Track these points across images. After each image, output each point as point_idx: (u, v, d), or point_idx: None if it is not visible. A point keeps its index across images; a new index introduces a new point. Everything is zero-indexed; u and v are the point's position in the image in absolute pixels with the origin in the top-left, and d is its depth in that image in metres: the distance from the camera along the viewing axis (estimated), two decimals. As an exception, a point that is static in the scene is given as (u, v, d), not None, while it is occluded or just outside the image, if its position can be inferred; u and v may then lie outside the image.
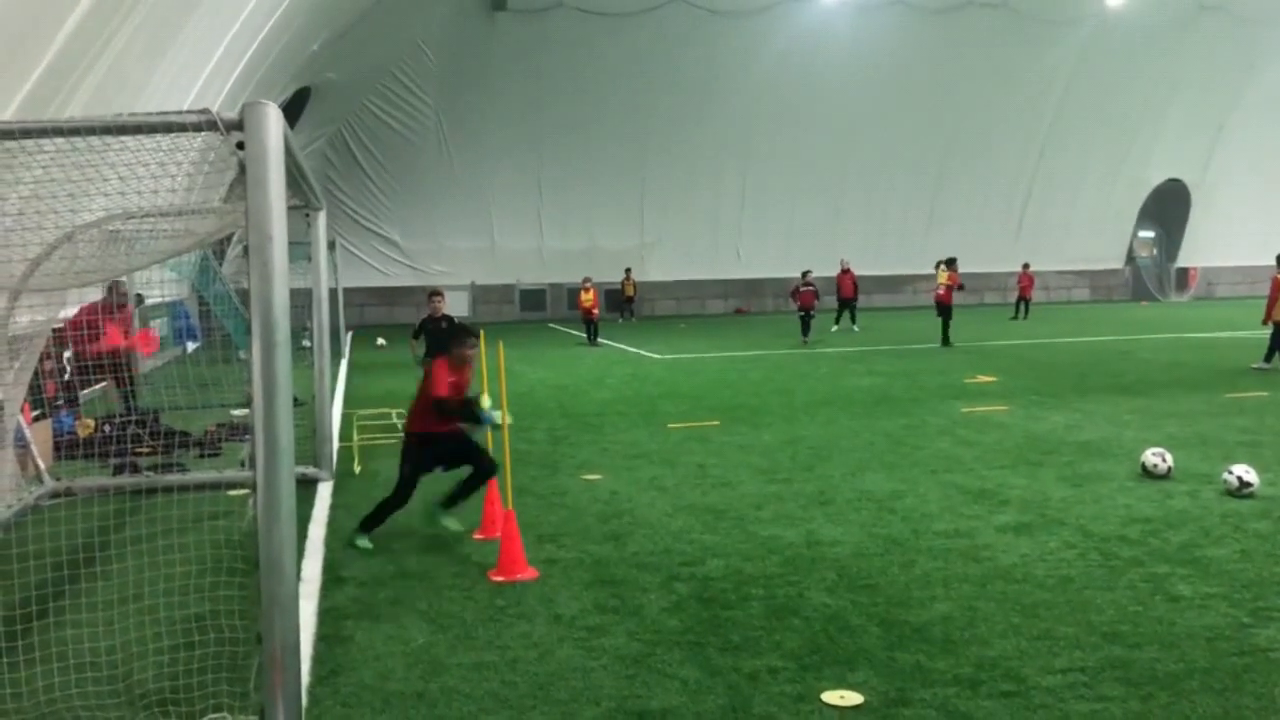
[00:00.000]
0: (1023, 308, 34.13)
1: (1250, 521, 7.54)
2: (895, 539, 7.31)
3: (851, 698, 4.41)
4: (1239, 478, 8.35)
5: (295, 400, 7.69)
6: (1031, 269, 35.92)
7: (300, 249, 10.38)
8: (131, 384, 12.97)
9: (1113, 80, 40.47)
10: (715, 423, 12.78)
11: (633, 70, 36.05)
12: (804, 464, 10.12)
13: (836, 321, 29.66)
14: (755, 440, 11.53)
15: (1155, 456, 9.15)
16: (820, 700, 4.64)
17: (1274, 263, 18.06)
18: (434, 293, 14.06)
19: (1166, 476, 8.99)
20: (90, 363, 11.84)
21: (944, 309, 24.15)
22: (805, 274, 25.99)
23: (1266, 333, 17.72)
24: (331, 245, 24.87)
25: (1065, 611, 5.75)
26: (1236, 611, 5.68)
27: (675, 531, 7.65)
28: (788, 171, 39.65)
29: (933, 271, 26.61)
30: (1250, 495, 8.22)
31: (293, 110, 29.96)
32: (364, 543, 7.37)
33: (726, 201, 40.01)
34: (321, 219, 10.26)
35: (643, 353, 23.38)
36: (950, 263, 25.42)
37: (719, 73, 36.87)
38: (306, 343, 12.08)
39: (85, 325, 11.22)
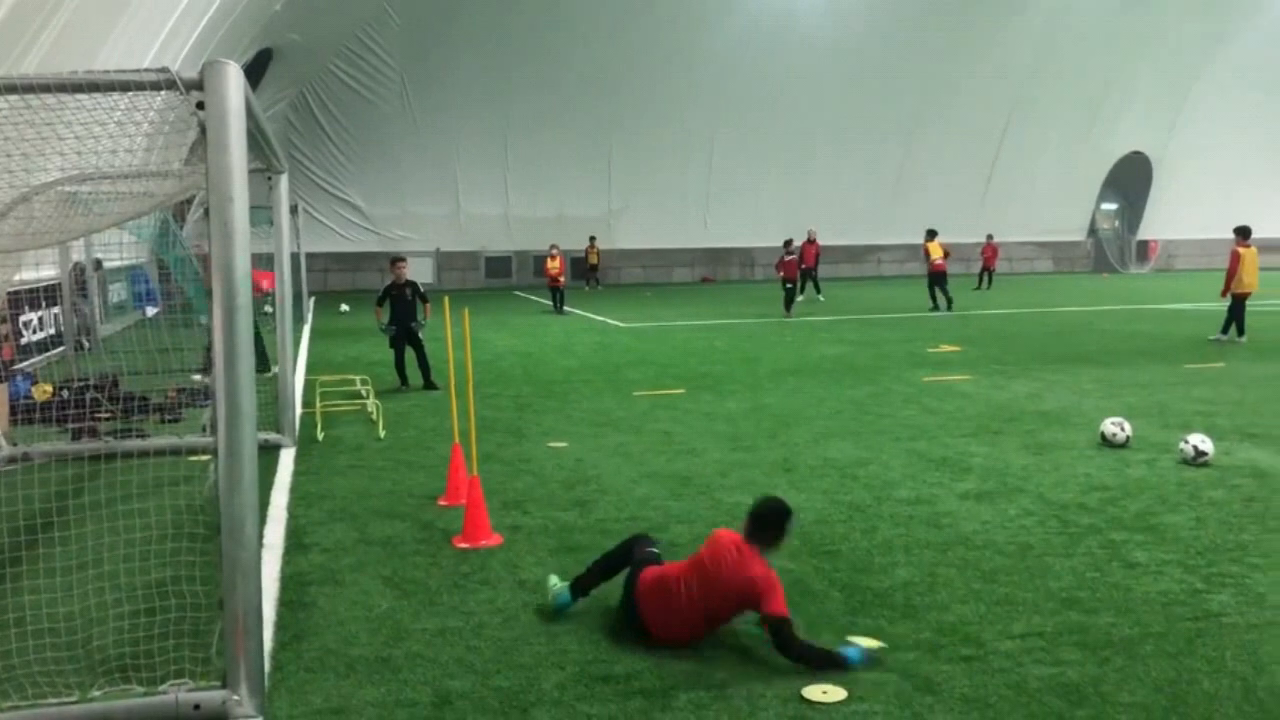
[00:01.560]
0: (986, 278, 34.37)
1: (1205, 490, 7.67)
2: (858, 506, 7.38)
3: (835, 693, 4.40)
4: (1195, 447, 8.49)
5: (264, 363, 7.57)
6: (995, 240, 36.15)
7: (262, 213, 10.25)
8: None
9: (1077, 51, 40.62)
10: (681, 390, 12.80)
11: (601, 36, 35.74)
12: (769, 431, 10.17)
13: (800, 291, 29.72)
14: (720, 408, 11.57)
15: (1114, 426, 9.27)
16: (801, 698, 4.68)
17: (1233, 235, 18.31)
18: (397, 259, 13.95)
19: (1125, 445, 9.12)
20: None
21: (942, 277, 25.41)
22: (788, 243, 25.56)
23: (1225, 305, 17.98)
24: (294, 209, 24.63)
25: (1024, 577, 5.83)
26: (1190, 578, 5.79)
27: (640, 498, 7.67)
28: (755, 141, 39.56)
29: (915, 242, 26.91)
30: (1206, 464, 8.36)
31: (255, 72, 29.47)
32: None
33: (694, 170, 39.89)
34: (284, 182, 10.12)
35: (609, 321, 23.34)
36: (934, 234, 26.12)
37: (688, 40, 36.64)
38: (269, 308, 11.97)
39: None
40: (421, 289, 13.63)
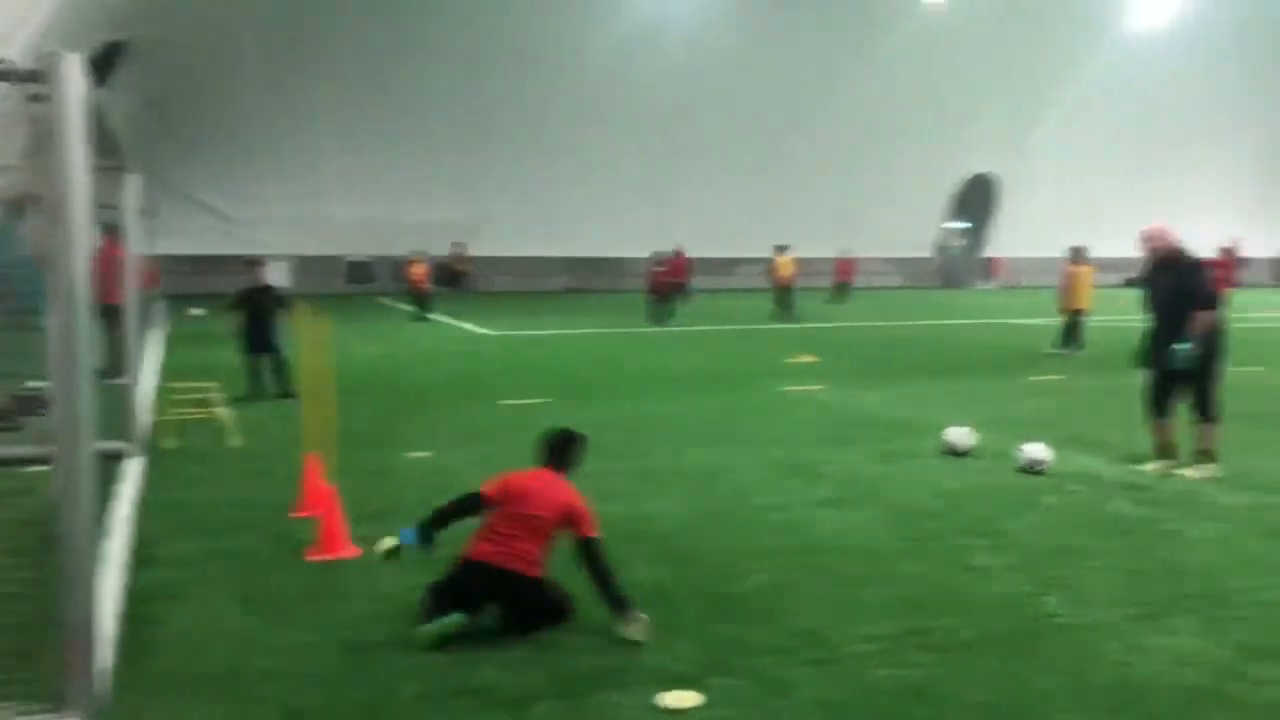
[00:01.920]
0: (842, 291, 35.39)
1: (1042, 496, 8.07)
2: (716, 513, 7.51)
3: (690, 699, 4.45)
4: (1033, 455, 8.91)
5: (103, 372, 7.26)
6: (851, 255, 37.26)
7: (109, 213, 9.86)
8: None
9: (931, 75, 42.30)
10: (547, 400, 12.79)
11: (471, 38, 35.52)
12: (631, 440, 10.26)
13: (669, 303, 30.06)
14: (585, 417, 11.58)
15: (958, 435, 9.66)
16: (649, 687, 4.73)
17: (1067, 254, 19.34)
18: (253, 261, 13.57)
19: (968, 454, 9.51)
20: None
21: (789, 292, 26.99)
22: (657, 254, 25.96)
23: (1063, 320, 18.94)
24: (145, 210, 23.65)
25: (873, 582, 6.03)
26: (1027, 580, 6.08)
27: (501, 508, 7.62)
28: (626, 151, 39.89)
29: (767, 255, 27.75)
30: (1043, 472, 8.79)
31: (107, 65, 28.25)
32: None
33: (564, 178, 39.94)
34: (133, 181, 9.74)
35: (475, 329, 23.15)
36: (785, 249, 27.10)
37: (560, 45, 36.73)
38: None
39: None
40: (280, 294, 13.28)
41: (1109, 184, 47.04)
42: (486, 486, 5.46)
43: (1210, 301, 8.62)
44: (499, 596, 5.17)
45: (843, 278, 35.67)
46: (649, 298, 25.16)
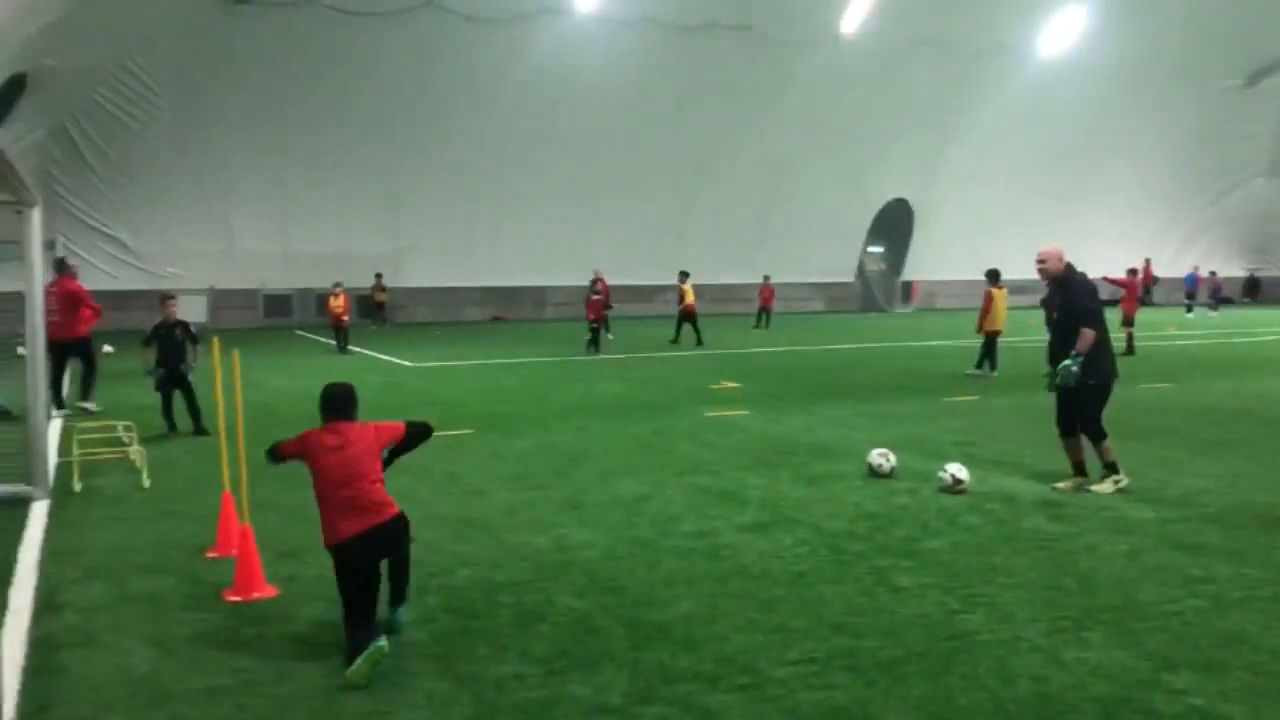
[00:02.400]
0: (764, 318, 35.72)
1: (962, 515, 8.21)
2: (642, 541, 7.50)
3: None
4: (953, 475, 9.08)
5: (6, 413, 7.04)
6: (771, 281, 37.65)
7: (13, 248, 9.54)
8: None
9: (846, 103, 43.07)
10: (469, 431, 12.68)
11: (386, 73, 35.28)
12: (557, 470, 10.21)
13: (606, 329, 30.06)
14: (509, 447, 11.53)
15: (880, 457, 9.80)
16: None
17: (984, 277, 19.79)
18: (166, 296, 13.28)
19: (890, 475, 9.64)
20: None
21: (692, 316, 27.46)
22: (594, 281, 25.79)
23: (979, 341, 19.37)
24: (50, 245, 23.01)
25: (798, 605, 6.06)
26: (949, 599, 6.17)
27: (425, 543, 7.51)
28: (544, 180, 39.89)
29: (700, 282, 28.35)
30: (963, 491, 8.95)
31: (7, 98, 27.47)
32: None
33: (483, 208, 39.76)
34: (36, 216, 9.45)
35: (396, 360, 22.89)
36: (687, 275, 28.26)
37: (475, 80, 36.66)
38: (21, 350, 11.12)
39: None
40: (193, 329, 13.00)
41: (1019, 208, 48.30)
42: (284, 446, 6.03)
43: (1091, 318, 8.88)
44: (387, 552, 5.60)
45: (764, 304, 36.00)
46: (590, 324, 24.92)
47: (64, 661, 5.28)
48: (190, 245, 35.80)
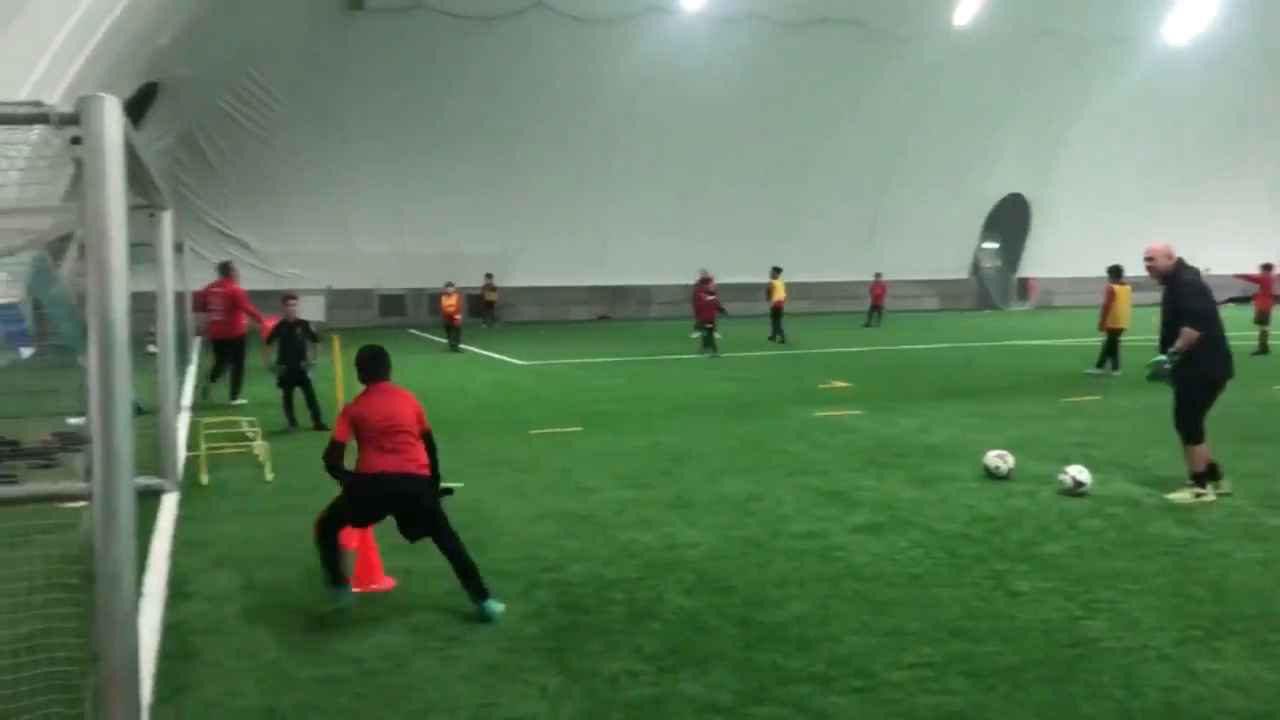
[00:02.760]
0: (875, 315, 35.20)
1: (1083, 519, 7.95)
2: (752, 540, 7.45)
3: None
4: (1073, 478, 8.80)
5: (138, 408, 7.33)
6: (884, 278, 37.08)
7: (145, 250, 9.97)
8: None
9: (959, 97, 42.20)
10: (578, 428, 12.78)
11: (496, 74, 35.85)
12: (663, 468, 10.22)
13: (696, 329, 30.01)
14: (616, 445, 11.59)
15: (997, 458, 9.56)
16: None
17: (1105, 274, 19.15)
18: (288, 297, 13.71)
19: (1007, 477, 9.40)
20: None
21: (779, 313, 27.65)
22: (705, 280, 24.76)
23: (1101, 340, 18.74)
24: (179, 247, 23.97)
25: (913, 608, 5.95)
26: (1069, 605, 5.98)
27: (536, 538, 7.62)
28: (650, 179, 40.04)
29: (806, 280, 28.09)
30: (1084, 494, 8.67)
31: (140, 107, 28.73)
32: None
33: (590, 207, 40.13)
34: (168, 219, 9.87)
35: (506, 359, 23.23)
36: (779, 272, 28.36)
37: (583, 79, 36.99)
38: (152, 348, 11.61)
39: None
40: (312, 328, 13.40)
41: (1140, 201, 46.70)
42: (338, 433, 6.14)
43: (1193, 319, 8.49)
44: (406, 501, 5.98)
45: (876, 301, 35.46)
46: (704, 325, 23.89)
47: (195, 647, 5.49)
48: (309, 247, 36.96)
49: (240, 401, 15.56)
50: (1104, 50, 42.64)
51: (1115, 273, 18.88)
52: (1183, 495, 8.54)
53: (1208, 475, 8.54)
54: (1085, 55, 42.38)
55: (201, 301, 15.70)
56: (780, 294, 27.80)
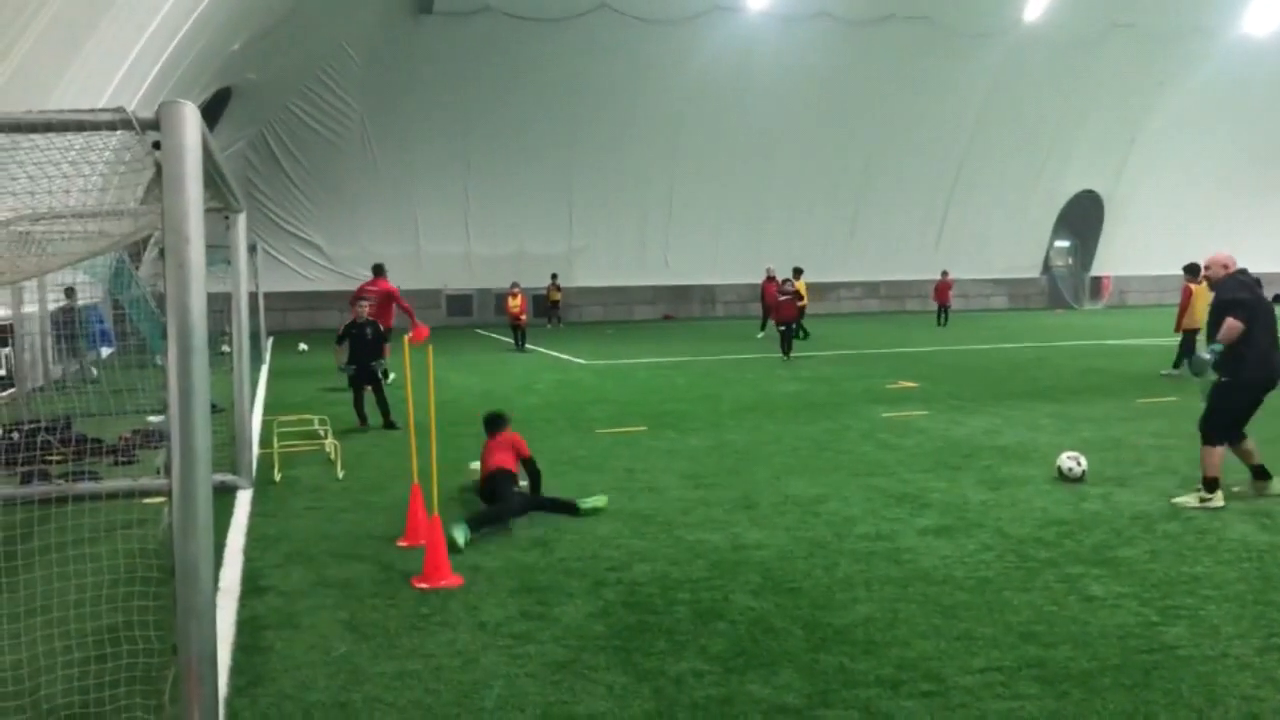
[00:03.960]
0: (943, 315, 34.74)
1: (1160, 523, 7.77)
2: (819, 542, 7.39)
3: None
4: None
5: (213, 406, 7.51)
6: (950, 276, 36.58)
7: (220, 252, 10.19)
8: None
9: (1029, 93, 41.50)
10: (643, 428, 12.80)
11: (561, 75, 36.05)
12: (730, 469, 10.19)
13: (762, 328, 29.94)
14: (682, 445, 11.58)
15: (1070, 460, 9.38)
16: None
17: (1181, 272, 18.68)
18: (358, 298, 13.93)
19: (1081, 480, 9.22)
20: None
21: (801, 313, 26.51)
22: (782, 280, 24.33)
23: (1176, 340, 18.30)
24: (252, 249, 24.49)
25: (983, 612, 5.86)
26: (1146, 610, 5.85)
27: (602, 537, 7.64)
28: (714, 179, 39.97)
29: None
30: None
31: (213, 111, 29.39)
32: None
33: (654, 207, 40.17)
34: (241, 221, 10.07)
35: (571, 358, 23.33)
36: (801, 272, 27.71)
37: (647, 79, 37.04)
38: (226, 348, 11.86)
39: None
40: (382, 328, 13.59)
41: (1218, 198, 45.51)
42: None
43: (1233, 308, 8.22)
44: (506, 485, 8.37)
45: (941, 300, 34.97)
46: (777, 324, 22.87)
47: (268, 641, 5.60)
48: (378, 249, 37.45)
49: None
50: (1180, 43, 41.63)
51: (1192, 271, 18.41)
52: (1188, 499, 8.38)
53: (1217, 483, 8.32)
54: (1161, 48, 41.41)
55: (357, 297, 16.61)
56: (804, 294, 27.63)
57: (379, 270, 18.25)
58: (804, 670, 5.05)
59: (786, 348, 22.36)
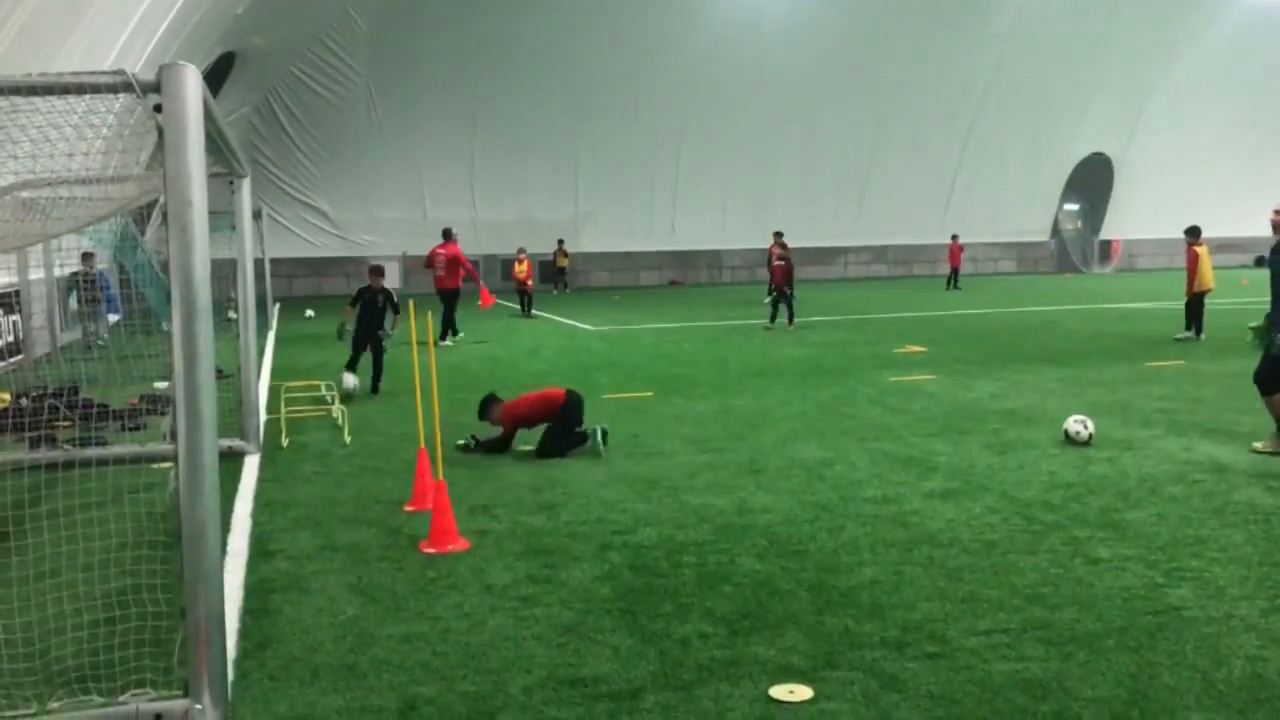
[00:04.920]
0: (953, 278, 34.63)
1: (1166, 486, 7.77)
2: (824, 506, 7.41)
3: (801, 692, 4.41)
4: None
5: (220, 372, 7.53)
6: (960, 240, 36.43)
7: (225, 218, 10.17)
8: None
9: (1040, 56, 41.08)
10: (649, 393, 12.80)
11: (568, 39, 35.76)
12: (736, 433, 10.19)
13: (770, 292, 29.78)
14: (688, 410, 11.59)
15: (1077, 424, 9.37)
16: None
17: (1183, 236, 18.56)
18: (376, 270, 13.86)
19: (1088, 443, 9.21)
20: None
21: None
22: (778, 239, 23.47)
23: (1184, 304, 18.20)
24: (257, 214, 24.46)
25: (989, 575, 5.87)
26: (1151, 573, 5.85)
27: (608, 501, 7.67)
28: (722, 144, 39.72)
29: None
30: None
31: (217, 76, 29.23)
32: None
33: (661, 173, 39.97)
34: (246, 187, 10.03)
35: (577, 324, 23.32)
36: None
37: (655, 44, 36.73)
38: (233, 314, 11.87)
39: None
40: (395, 298, 13.51)
41: (1228, 160, 45.12)
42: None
43: None
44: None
45: (954, 263, 34.93)
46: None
47: (277, 604, 5.63)
48: (385, 214, 37.41)
49: (447, 343, 19.19)
50: (1193, 3, 41.12)
51: (1194, 233, 18.26)
52: (1266, 444, 8.62)
53: None
54: (1172, 9, 40.92)
55: (430, 260, 19.80)
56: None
57: (448, 234, 20.27)
58: (809, 632, 5.07)
59: (775, 315, 21.81)
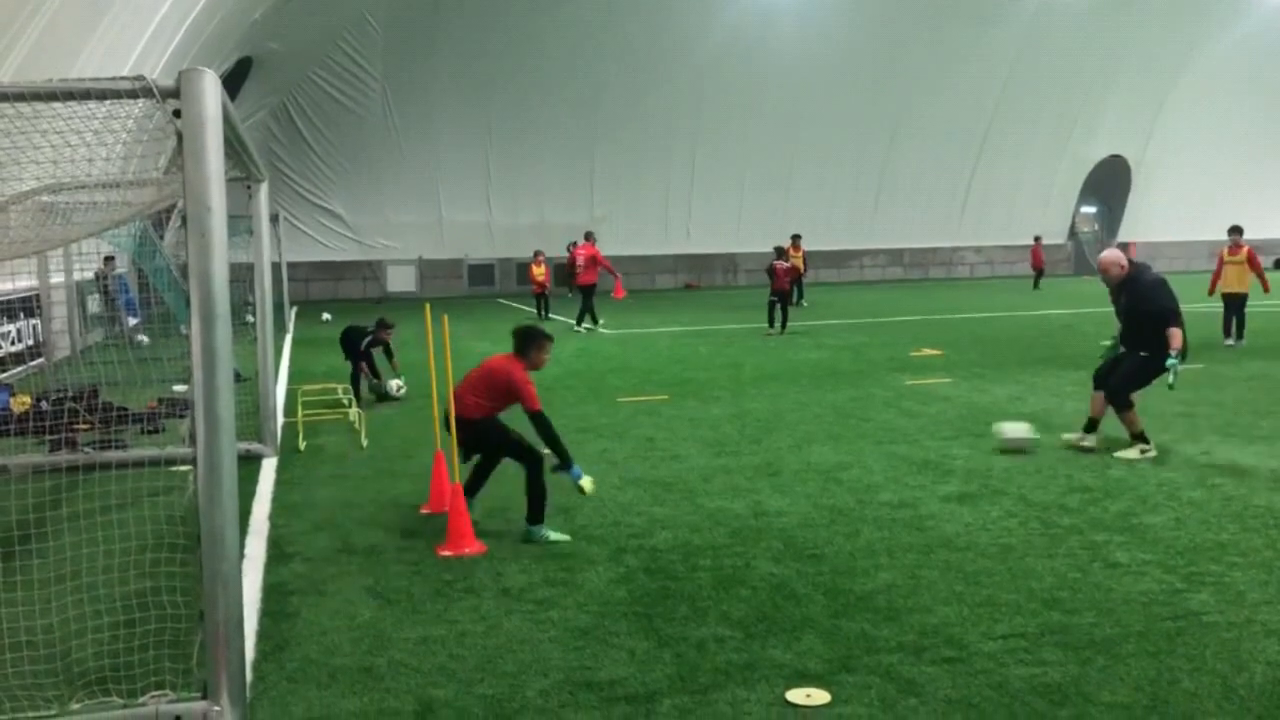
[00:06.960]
0: (1037, 277, 35.67)
1: (1185, 490, 7.73)
2: (841, 509, 7.39)
3: (818, 696, 4.41)
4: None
5: (238, 375, 7.56)
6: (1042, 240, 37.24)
7: (242, 222, 10.23)
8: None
9: (1057, 58, 40.87)
10: (664, 397, 12.80)
11: (582, 42, 35.77)
12: (751, 437, 10.18)
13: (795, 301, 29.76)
14: (704, 414, 11.58)
15: (1015, 429, 9.51)
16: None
17: (1227, 236, 18.20)
18: (385, 325, 13.40)
19: (1026, 449, 9.22)
20: None
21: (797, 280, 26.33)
22: (780, 249, 23.05)
23: (1209, 306, 17.95)
24: (274, 218, 24.54)
25: (1006, 579, 5.85)
26: (1170, 577, 5.82)
27: (624, 504, 7.67)
28: (737, 147, 39.64)
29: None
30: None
31: (235, 80, 29.38)
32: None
33: (676, 176, 39.92)
34: (263, 191, 10.08)
35: (592, 327, 23.31)
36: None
37: (669, 47, 36.70)
38: (250, 318, 11.92)
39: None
40: (392, 345, 13.35)
41: (1247, 162, 44.80)
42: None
43: (1173, 317, 9.01)
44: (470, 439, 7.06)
45: (1037, 264, 36.17)
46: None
47: (294, 606, 5.66)
48: (400, 218, 37.47)
49: (580, 330, 21.58)
50: (1210, 5, 40.86)
51: (1240, 231, 17.97)
52: (1130, 452, 8.88)
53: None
54: (1190, 10, 40.66)
55: (571, 259, 22.80)
56: (800, 262, 27.95)
57: (589, 236, 23.69)
58: (825, 636, 5.06)
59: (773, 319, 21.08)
